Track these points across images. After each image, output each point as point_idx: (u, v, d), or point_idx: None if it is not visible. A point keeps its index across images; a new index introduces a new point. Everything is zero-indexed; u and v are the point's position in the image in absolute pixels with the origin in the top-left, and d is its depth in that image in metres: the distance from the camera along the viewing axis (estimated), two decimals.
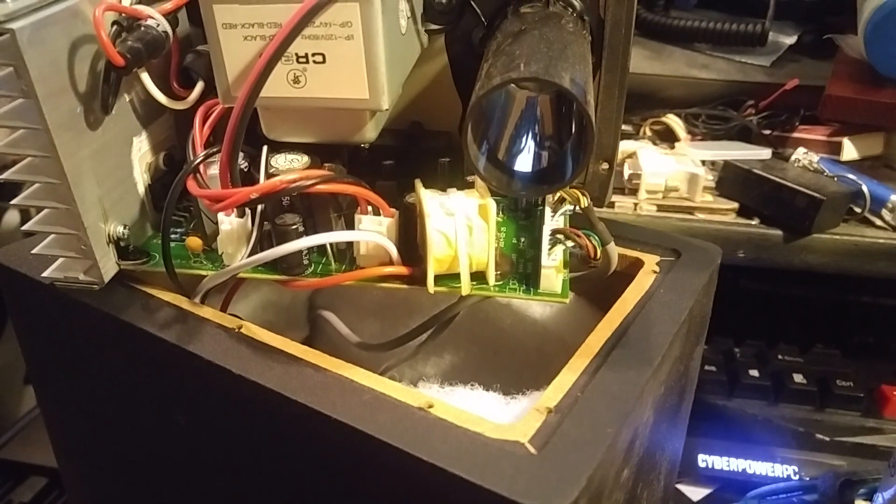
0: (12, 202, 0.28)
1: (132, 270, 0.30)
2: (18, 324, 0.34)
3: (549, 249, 0.28)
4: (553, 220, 0.30)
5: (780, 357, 0.58)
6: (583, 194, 0.30)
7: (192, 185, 0.27)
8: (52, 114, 0.25)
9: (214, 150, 0.28)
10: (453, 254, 0.27)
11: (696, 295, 0.31)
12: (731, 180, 0.49)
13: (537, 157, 0.28)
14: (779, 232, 0.47)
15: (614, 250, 0.30)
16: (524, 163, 0.27)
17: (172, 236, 0.31)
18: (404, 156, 0.34)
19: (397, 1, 0.27)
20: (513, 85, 0.30)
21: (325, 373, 0.26)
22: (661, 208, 0.49)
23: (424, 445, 0.22)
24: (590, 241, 0.29)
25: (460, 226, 0.27)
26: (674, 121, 0.54)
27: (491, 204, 0.27)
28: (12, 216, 0.72)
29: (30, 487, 0.56)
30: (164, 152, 0.32)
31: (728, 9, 0.57)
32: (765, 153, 0.49)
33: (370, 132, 0.29)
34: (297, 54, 0.26)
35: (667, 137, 0.54)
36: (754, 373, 0.56)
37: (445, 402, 0.24)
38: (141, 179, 0.31)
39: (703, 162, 0.50)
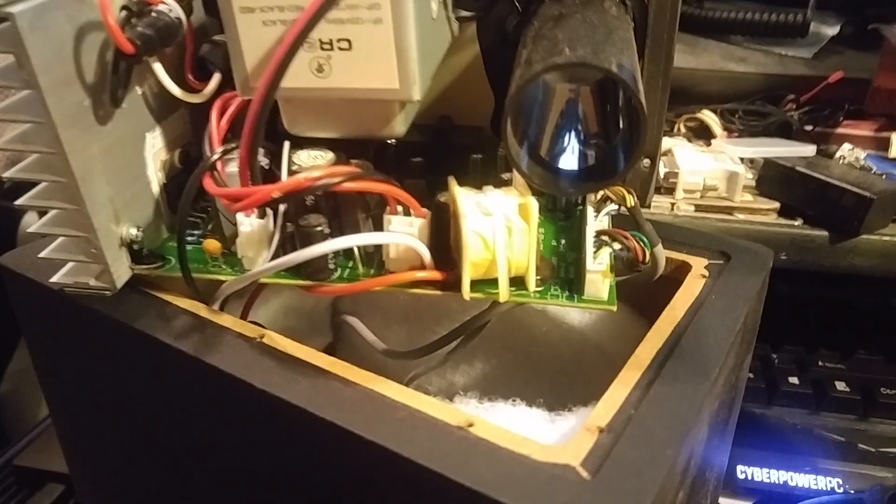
0: (16, 202, 0.26)
1: (146, 275, 0.28)
2: (27, 330, 0.32)
3: (595, 252, 0.26)
4: (596, 221, 0.28)
5: (820, 364, 0.55)
6: (629, 192, 0.28)
7: (208, 184, 0.25)
8: (58, 106, 0.23)
9: (232, 145, 0.26)
10: (491, 257, 0.25)
11: (751, 301, 0.28)
12: (772, 179, 0.46)
13: (582, 156, 0.25)
14: (824, 233, 0.45)
15: (662, 253, 0.28)
16: (568, 161, 0.25)
17: (189, 239, 0.29)
18: (433, 152, 0.32)
19: None
20: (551, 77, 0.28)
21: (354, 387, 0.23)
22: (699, 208, 0.46)
23: (466, 469, 0.20)
24: (638, 242, 0.27)
25: (499, 227, 0.25)
26: (709, 117, 0.51)
27: (532, 203, 0.25)
28: (30, 219, 0.70)
29: (47, 494, 0.54)
30: (179, 149, 0.30)
31: None
32: (808, 150, 0.47)
33: (399, 126, 0.27)
34: (320, 40, 0.24)
35: (702, 134, 0.52)
36: (794, 380, 0.53)
37: (486, 421, 0.22)
38: (155, 178, 0.29)
39: (742, 160, 0.48)
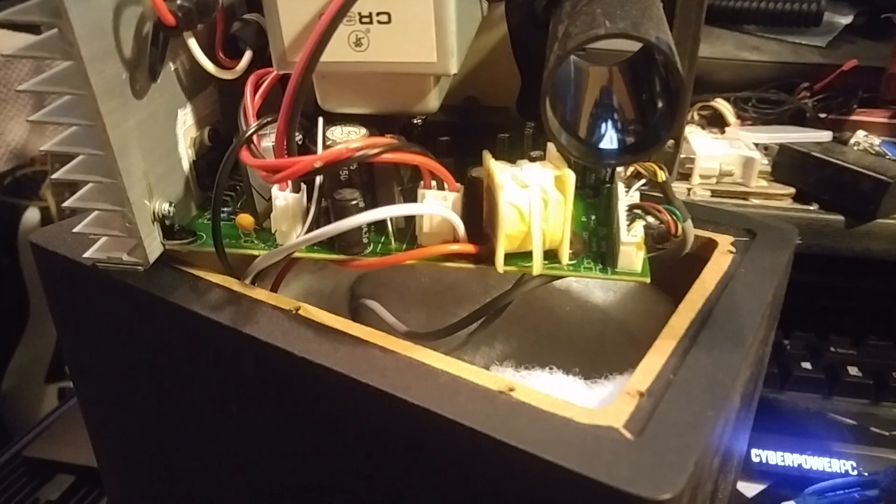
0: (54, 176, 0.26)
1: (178, 251, 0.28)
2: (57, 310, 0.32)
3: (629, 225, 0.26)
4: (627, 196, 0.28)
5: (832, 349, 0.55)
6: (660, 168, 0.28)
7: (246, 156, 0.25)
8: (98, 78, 0.23)
9: (269, 119, 0.26)
10: (526, 229, 0.25)
11: (779, 275, 0.29)
12: (787, 164, 0.47)
13: (619, 136, 0.26)
14: (840, 217, 0.45)
15: (691, 228, 0.28)
16: (606, 142, 0.26)
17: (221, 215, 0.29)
18: (460, 132, 0.32)
19: None
20: (579, 59, 0.28)
21: (394, 355, 0.24)
22: (714, 193, 0.46)
23: (510, 430, 0.20)
24: (670, 216, 0.27)
25: (535, 198, 0.25)
26: (723, 105, 0.52)
27: (569, 174, 0.25)
28: (32, 214, 0.71)
29: (57, 485, 0.55)
30: (209, 127, 0.30)
31: None
32: (824, 135, 0.47)
33: (433, 101, 0.27)
34: (360, 14, 0.24)
35: (715, 122, 0.52)
36: (807, 365, 0.54)
37: (526, 386, 0.22)
38: (185, 155, 0.29)
39: (757, 145, 0.48)
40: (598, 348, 0.35)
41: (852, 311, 0.58)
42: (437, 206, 0.25)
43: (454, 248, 0.26)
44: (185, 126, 0.29)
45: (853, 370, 0.53)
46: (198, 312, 0.26)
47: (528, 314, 0.37)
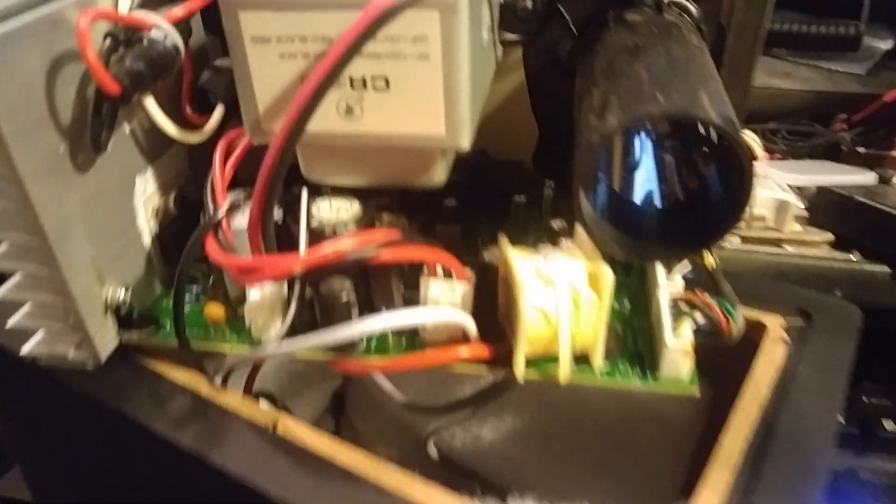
0: None
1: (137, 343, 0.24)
2: None
3: (674, 324, 0.22)
4: (668, 281, 0.24)
5: (865, 399, 0.51)
6: (708, 250, 0.24)
7: (212, 248, 0.20)
8: (25, 156, 0.19)
9: (240, 196, 0.22)
10: (551, 333, 0.21)
11: (846, 373, 0.24)
12: (824, 208, 0.42)
13: (666, 222, 0.21)
14: (885, 268, 0.41)
15: (742, 321, 0.24)
16: (649, 222, 0.21)
17: (187, 296, 0.25)
18: (468, 192, 0.27)
19: (481, 7, 0.20)
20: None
21: (390, 498, 0.19)
22: (745, 240, 0.42)
23: None
24: (722, 312, 0.22)
25: (563, 299, 0.20)
26: (750, 137, 0.47)
27: (606, 272, 0.20)
28: None
29: None
30: (174, 192, 0.26)
31: (813, 9, 0.50)
32: (868, 177, 0.43)
33: (439, 175, 0.23)
34: (351, 78, 0.19)
35: None
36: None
37: None
38: (147, 228, 0.25)
39: (790, 186, 0.43)
40: (624, 436, 0.31)
41: (888, 358, 0.54)
42: (448, 311, 0.21)
43: (465, 353, 0.22)
44: (146, 195, 0.25)
45: (889, 424, 0.49)
46: (157, 431, 0.21)
47: (544, 387, 0.33)
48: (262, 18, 0.19)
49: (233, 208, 0.21)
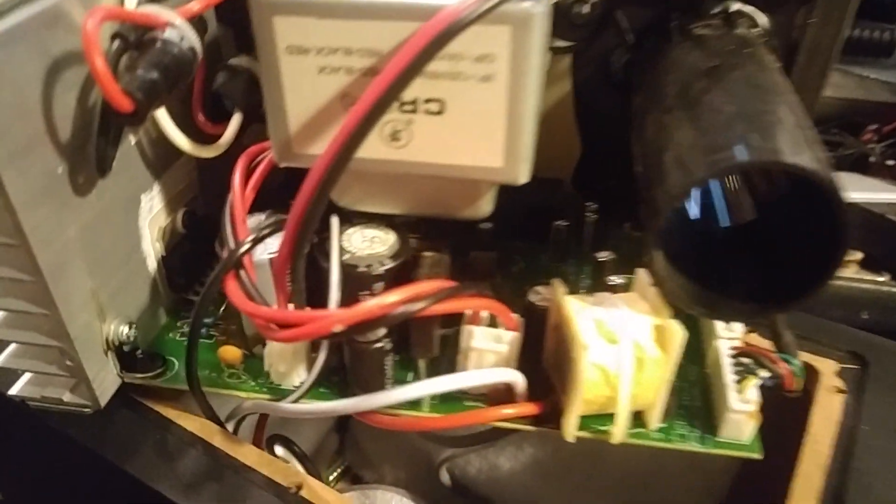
0: None
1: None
2: None
3: (738, 384, 0.20)
4: (726, 331, 0.21)
5: None
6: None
7: (236, 294, 0.17)
8: (18, 182, 0.16)
9: (265, 230, 0.19)
10: (610, 393, 0.19)
11: None
12: (854, 226, 0.40)
13: (741, 261, 0.19)
14: None
15: (803, 369, 0.22)
16: (720, 265, 0.19)
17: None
18: (505, 215, 0.25)
19: (549, 21, 0.18)
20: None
21: None
22: None
23: None
24: (787, 368, 0.20)
25: (626, 360, 0.18)
26: None
27: (675, 329, 0.18)
28: None
29: None
30: (182, 209, 0.23)
31: None
32: None
33: (486, 206, 0.20)
34: (401, 100, 0.17)
35: None
36: None
37: None
38: (152, 251, 0.22)
39: None
40: (656, 478, 0.29)
41: None
42: (501, 373, 0.19)
43: (512, 412, 0.19)
44: (152, 214, 0.22)
45: None
46: (166, 496, 0.19)
47: None
48: (302, 26, 0.16)
49: (257, 241, 0.18)
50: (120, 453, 0.20)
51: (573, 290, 0.20)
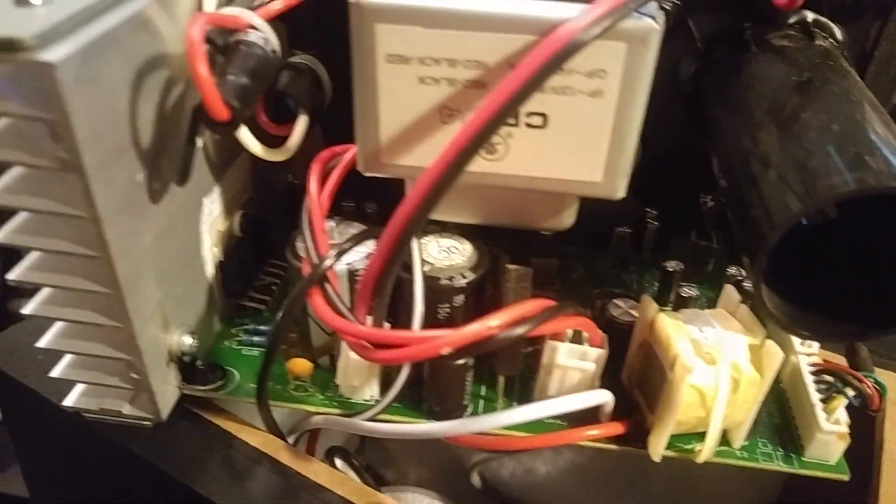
0: (23, 311, 0.18)
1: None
2: (23, 453, 0.24)
3: (825, 404, 0.19)
4: (804, 346, 0.21)
5: None
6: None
7: (325, 312, 0.17)
8: (105, 190, 0.15)
9: (347, 242, 0.18)
10: (703, 414, 0.18)
11: None
12: None
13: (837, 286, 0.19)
14: None
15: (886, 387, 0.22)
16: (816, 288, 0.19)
17: (246, 335, 0.22)
18: None
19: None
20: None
21: None
22: None
23: None
24: (873, 387, 0.20)
25: (724, 381, 0.18)
26: None
27: (774, 351, 0.18)
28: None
29: None
30: (239, 212, 0.22)
31: None
32: None
33: (568, 218, 0.20)
34: None
35: None
36: None
37: None
38: (210, 257, 0.21)
39: None
40: (703, 487, 0.29)
41: None
42: (596, 394, 0.18)
43: (597, 433, 0.19)
44: (212, 218, 0.21)
45: None
46: None
47: None
48: (405, 35, 0.16)
49: (341, 254, 0.18)
50: (185, 470, 0.19)
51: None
